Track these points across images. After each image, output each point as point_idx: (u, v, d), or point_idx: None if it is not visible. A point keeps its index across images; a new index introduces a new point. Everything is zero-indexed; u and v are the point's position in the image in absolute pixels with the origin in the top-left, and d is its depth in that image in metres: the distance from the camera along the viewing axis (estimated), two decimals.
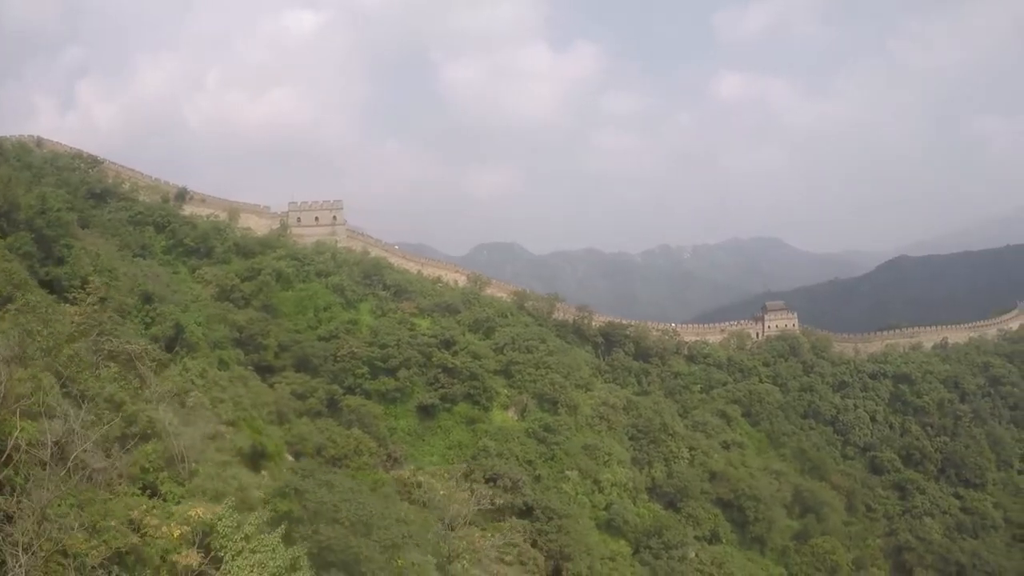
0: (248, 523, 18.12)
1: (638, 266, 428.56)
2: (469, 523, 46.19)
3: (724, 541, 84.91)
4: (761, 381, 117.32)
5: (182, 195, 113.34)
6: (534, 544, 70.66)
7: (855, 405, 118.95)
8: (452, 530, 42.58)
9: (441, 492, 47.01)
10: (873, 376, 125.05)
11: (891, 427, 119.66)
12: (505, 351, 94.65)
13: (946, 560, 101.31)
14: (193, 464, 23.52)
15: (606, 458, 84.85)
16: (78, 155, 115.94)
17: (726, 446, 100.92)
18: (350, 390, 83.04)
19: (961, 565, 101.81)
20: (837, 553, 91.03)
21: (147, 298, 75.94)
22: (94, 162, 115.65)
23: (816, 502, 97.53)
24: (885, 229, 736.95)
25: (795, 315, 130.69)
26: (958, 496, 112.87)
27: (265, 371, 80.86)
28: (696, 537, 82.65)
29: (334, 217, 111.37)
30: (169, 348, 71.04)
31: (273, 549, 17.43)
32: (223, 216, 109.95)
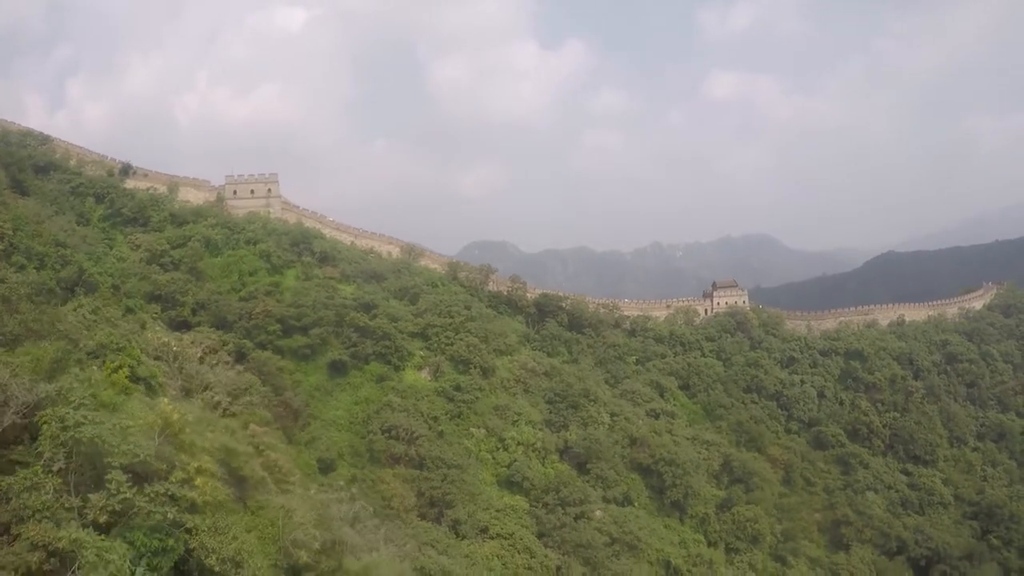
0: None
1: (628, 264, 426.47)
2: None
3: (636, 504, 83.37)
4: (704, 355, 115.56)
5: (126, 170, 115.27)
6: (420, 493, 70.54)
7: (802, 380, 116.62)
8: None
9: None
10: (824, 353, 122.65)
11: (840, 403, 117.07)
12: (425, 315, 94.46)
13: (886, 535, 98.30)
14: None
15: (515, 418, 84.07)
16: (28, 133, 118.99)
17: (655, 415, 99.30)
18: (262, 346, 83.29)
19: (903, 541, 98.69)
20: (760, 522, 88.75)
21: (58, 244, 78.44)
22: (44, 139, 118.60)
23: (745, 472, 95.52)
24: (875, 227, 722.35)
25: (745, 292, 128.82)
26: (906, 472, 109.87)
27: (181, 326, 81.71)
28: (605, 499, 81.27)
29: (269, 190, 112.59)
30: (72, 290, 73.20)
31: None
32: (163, 189, 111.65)
